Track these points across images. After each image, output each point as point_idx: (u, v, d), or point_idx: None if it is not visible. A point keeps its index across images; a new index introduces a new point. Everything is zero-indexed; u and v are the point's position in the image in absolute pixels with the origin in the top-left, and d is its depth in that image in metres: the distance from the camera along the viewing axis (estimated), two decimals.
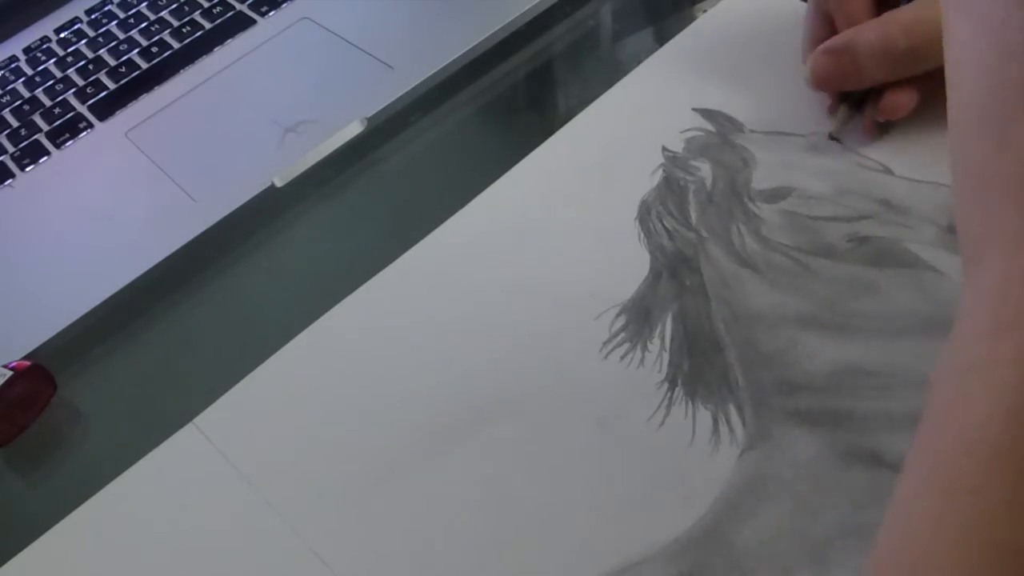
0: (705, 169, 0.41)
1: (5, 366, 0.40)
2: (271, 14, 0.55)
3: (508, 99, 0.49)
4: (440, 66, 0.49)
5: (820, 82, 0.40)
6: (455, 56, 0.49)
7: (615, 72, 0.47)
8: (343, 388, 0.38)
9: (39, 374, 0.40)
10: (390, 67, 0.50)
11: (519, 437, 0.35)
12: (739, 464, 0.33)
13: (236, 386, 0.39)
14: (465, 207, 0.43)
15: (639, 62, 0.47)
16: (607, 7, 0.52)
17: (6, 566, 0.35)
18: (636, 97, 0.46)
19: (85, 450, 0.39)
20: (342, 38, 0.52)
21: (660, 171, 0.42)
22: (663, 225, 0.40)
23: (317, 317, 0.41)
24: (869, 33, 0.37)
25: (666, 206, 0.40)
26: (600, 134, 0.44)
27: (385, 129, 0.48)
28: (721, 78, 0.44)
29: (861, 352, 0.34)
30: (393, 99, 0.48)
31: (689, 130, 0.43)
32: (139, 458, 0.38)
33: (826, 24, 0.41)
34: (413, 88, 0.48)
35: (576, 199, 0.42)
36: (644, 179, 0.42)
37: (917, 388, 0.33)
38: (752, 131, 0.42)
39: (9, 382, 0.39)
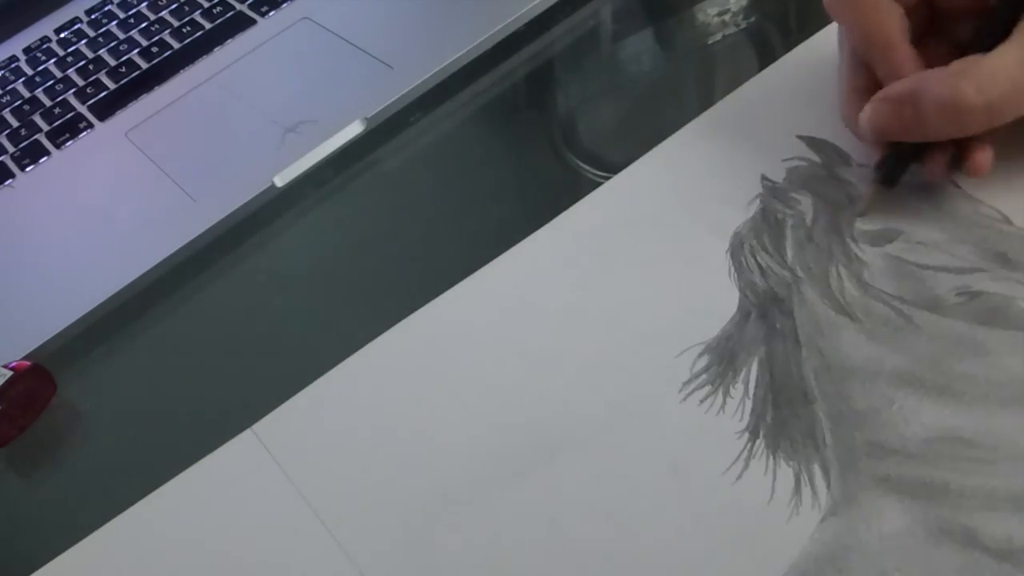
0: (806, 203, 0.38)
1: (5, 366, 0.40)
2: (271, 14, 0.55)
3: (508, 99, 0.49)
4: (440, 66, 0.49)
5: (877, 131, 0.36)
6: (455, 56, 0.49)
7: (615, 72, 0.47)
8: (408, 408, 0.36)
9: (39, 374, 0.40)
10: (390, 67, 0.50)
11: (586, 475, 0.33)
12: (820, 530, 0.30)
13: (298, 395, 0.37)
14: (546, 225, 0.41)
15: (639, 62, 0.47)
16: (607, 7, 0.52)
17: (51, 564, 0.35)
18: (737, 119, 0.42)
19: (85, 450, 0.39)
20: (342, 38, 0.52)
21: (757, 202, 0.39)
22: (756, 261, 0.37)
23: (316, 318, 0.41)
24: (937, 86, 0.34)
25: (761, 240, 0.37)
26: (696, 156, 0.42)
27: (385, 129, 0.48)
28: (831, 105, 0.40)
29: (963, 419, 0.31)
30: (393, 99, 0.48)
31: (792, 159, 0.40)
32: (138, 458, 0.38)
33: (866, 73, 0.38)
34: (413, 88, 0.48)
35: (664, 225, 0.40)
36: (740, 209, 0.39)
37: (1022, 465, 0.30)
38: (860, 165, 0.39)
39: (9, 382, 0.39)
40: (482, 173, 0.46)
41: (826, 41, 0.44)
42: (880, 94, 0.36)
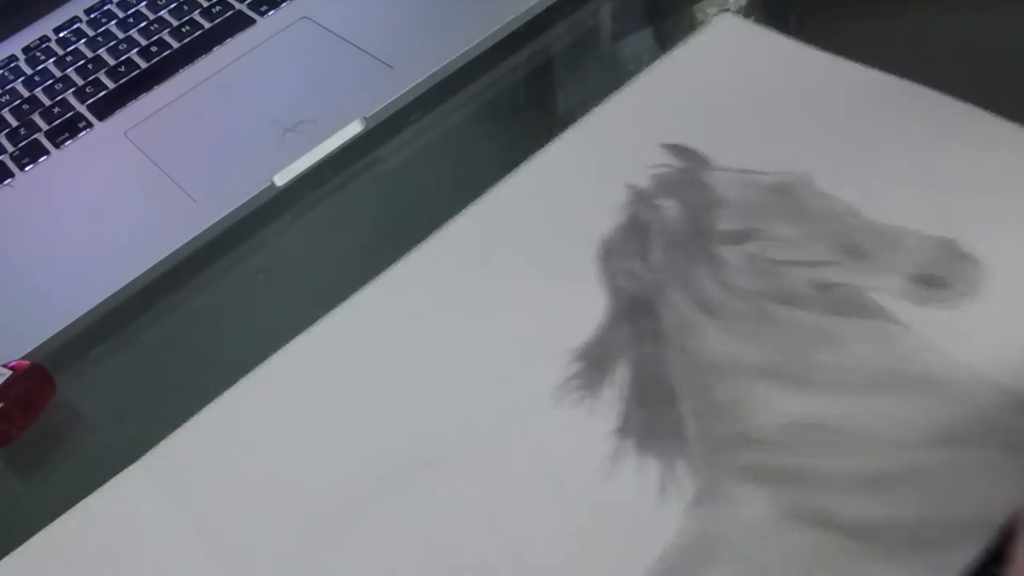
0: (670, 207, 0.40)
1: (5, 366, 0.40)
2: (270, 14, 0.55)
3: (508, 99, 0.49)
4: (440, 66, 0.49)
5: None
6: (455, 56, 0.49)
7: (615, 72, 0.47)
8: (291, 431, 0.37)
9: (39, 374, 0.40)
10: (390, 67, 0.50)
11: (465, 486, 0.34)
12: (685, 522, 0.31)
13: (185, 424, 0.38)
14: (421, 244, 0.42)
15: (640, 62, 0.47)
16: (607, 7, 0.52)
17: None
18: (604, 130, 0.44)
19: (85, 450, 0.39)
20: (342, 38, 0.52)
21: (624, 208, 0.40)
22: (624, 266, 0.38)
23: (316, 318, 0.41)
24: None
25: (628, 246, 0.39)
26: (566, 168, 0.43)
27: (385, 129, 0.48)
28: (692, 113, 0.42)
29: (817, 406, 0.33)
30: (393, 99, 0.48)
31: (656, 166, 0.41)
32: (138, 459, 0.38)
33: None
34: (413, 88, 0.48)
35: (537, 236, 0.40)
36: (608, 217, 0.40)
37: (872, 447, 0.32)
38: (720, 169, 0.41)
39: (9, 382, 0.39)
40: (482, 173, 0.46)
41: (688, 51, 0.46)
42: None
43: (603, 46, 0.51)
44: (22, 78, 0.57)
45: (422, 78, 0.48)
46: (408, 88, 0.48)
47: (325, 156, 0.47)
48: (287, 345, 0.40)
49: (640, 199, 0.40)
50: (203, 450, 0.37)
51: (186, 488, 0.36)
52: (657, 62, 0.46)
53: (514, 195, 0.43)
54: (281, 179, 0.46)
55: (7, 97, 0.56)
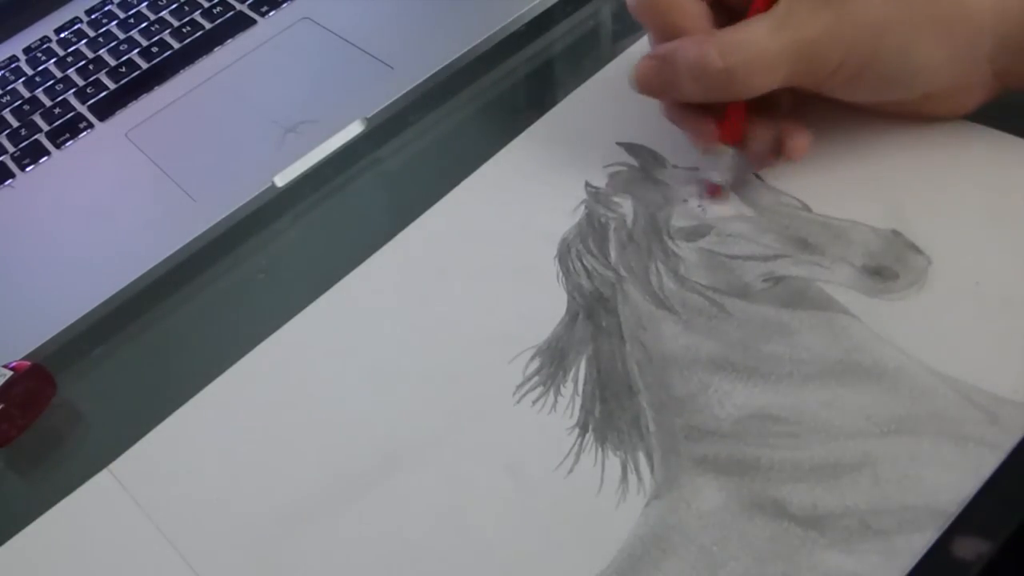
0: (627, 206, 0.40)
1: (5, 366, 0.40)
2: (271, 14, 0.55)
3: (508, 99, 0.49)
4: (440, 66, 0.49)
5: (642, 86, 0.38)
6: (455, 56, 0.49)
7: None
8: (258, 436, 0.37)
9: (39, 374, 0.40)
10: (390, 67, 0.50)
11: (427, 485, 0.34)
12: (645, 514, 0.32)
13: (153, 431, 0.38)
14: (383, 247, 0.42)
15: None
16: (607, 7, 0.52)
17: None
18: (562, 130, 0.45)
19: (85, 450, 0.39)
20: (342, 38, 0.52)
21: (582, 207, 0.41)
22: (582, 264, 0.39)
23: None
24: (689, 45, 0.36)
25: (586, 244, 0.39)
26: (524, 168, 0.43)
27: (385, 129, 0.48)
28: (646, 111, 0.42)
29: (769, 397, 0.33)
30: (393, 99, 0.48)
31: (612, 165, 0.42)
32: None
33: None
34: (413, 88, 0.48)
35: (497, 236, 0.41)
36: (567, 216, 0.41)
37: (823, 436, 0.32)
38: (674, 166, 0.41)
39: (9, 382, 0.39)
40: None
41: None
42: (648, 52, 0.38)
43: (603, 46, 0.51)
44: (23, 79, 0.57)
45: (422, 78, 0.48)
46: (408, 88, 0.48)
47: (325, 157, 0.47)
48: (249, 353, 0.40)
49: (598, 198, 0.41)
50: (172, 455, 0.37)
51: (157, 493, 0.36)
52: (612, 61, 0.47)
53: (473, 196, 0.43)
54: (281, 179, 0.46)
55: (8, 98, 0.56)
